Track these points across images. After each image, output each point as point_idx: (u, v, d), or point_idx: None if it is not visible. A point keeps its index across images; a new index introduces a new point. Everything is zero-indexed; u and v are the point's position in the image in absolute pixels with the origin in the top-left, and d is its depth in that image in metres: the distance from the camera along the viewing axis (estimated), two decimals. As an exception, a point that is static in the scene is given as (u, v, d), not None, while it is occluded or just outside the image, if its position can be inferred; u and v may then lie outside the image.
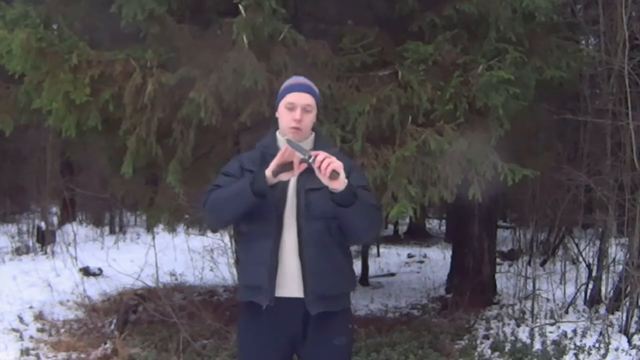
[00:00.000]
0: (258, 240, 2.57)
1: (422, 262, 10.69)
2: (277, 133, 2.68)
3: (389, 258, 11.15)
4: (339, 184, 2.38)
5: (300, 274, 2.54)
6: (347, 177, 2.46)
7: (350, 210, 2.44)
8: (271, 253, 2.54)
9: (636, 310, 5.60)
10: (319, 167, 2.36)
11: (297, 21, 5.03)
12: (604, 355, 5.11)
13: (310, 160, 2.37)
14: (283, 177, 2.48)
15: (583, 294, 6.53)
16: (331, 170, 2.35)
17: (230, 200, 2.54)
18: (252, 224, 2.58)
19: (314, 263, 2.53)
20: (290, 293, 2.55)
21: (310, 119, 2.62)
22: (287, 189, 2.56)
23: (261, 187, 2.45)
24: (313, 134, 2.68)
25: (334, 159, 2.37)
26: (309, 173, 2.45)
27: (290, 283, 2.55)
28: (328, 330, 2.61)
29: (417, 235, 13.93)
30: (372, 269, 9.31)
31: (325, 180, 2.38)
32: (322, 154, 2.37)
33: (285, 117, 2.61)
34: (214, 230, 7.86)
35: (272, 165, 2.45)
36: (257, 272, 2.56)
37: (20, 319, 6.26)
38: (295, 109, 2.58)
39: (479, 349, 5.53)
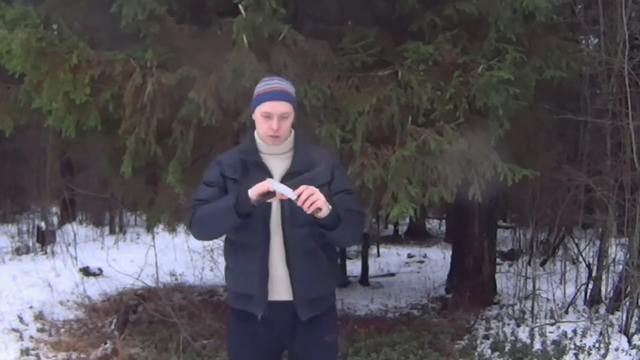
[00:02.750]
0: (246, 250, 2.61)
1: (422, 262, 10.68)
2: (255, 135, 2.68)
3: (389, 258, 11.14)
4: (323, 214, 2.42)
5: (288, 280, 2.59)
6: (331, 179, 2.55)
7: (335, 231, 2.49)
8: (261, 263, 2.58)
9: (636, 310, 5.61)
10: (303, 204, 2.38)
11: (297, 21, 5.02)
12: (604, 355, 5.11)
13: (294, 199, 2.38)
14: (268, 200, 2.50)
15: (583, 294, 6.52)
16: (315, 207, 2.38)
17: (215, 219, 2.57)
18: (239, 233, 2.61)
19: (301, 269, 2.58)
20: (280, 297, 2.60)
21: (287, 124, 2.62)
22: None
23: (245, 207, 2.48)
24: (292, 133, 2.69)
25: (316, 193, 2.38)
26: (292, 180, 2.47)
27: (279, 288, 2.60)
28: (319, 328, 2.67)
29: (417, 235, 13.91)
30: (372, 269, 9.30)
31: (309, 212, 2.40)
32: (306, 192, 2.37)
33: (262, 125, 2.60)
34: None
35: (253, 195, 2.45)
36: (249, 283, 2.61)
37: (20, 319, 6.25)
38: (272, 118, 2.57)
39: (479, 349, 5.53)
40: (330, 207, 2.43)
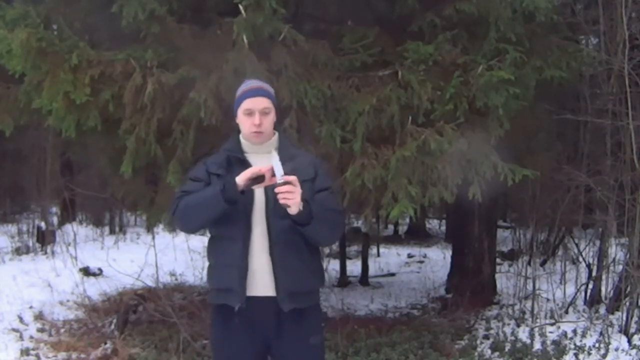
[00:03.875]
0: (227, 243, 2.63)
1: (422, 262, 10.69)
2: (241, 136, 2.74)
3: (389, 258, 11.15)
4: (292, 211, 2.47)
5: (271, 272, 2.60)
6: (314, 176, 2.61)
7: (307, 227, 2.53)
8: (241, 255, 2.59)
9: (636, 310, 5.61)
10: (279, 192, 2.44)
11: (297, 21, 5.02)
12: (604, 355, 5.11)
13: (278, 180, 2.44)
14: (254, 187, 2.55)
15: (583, 294, 6.53)
16: (285, 202, 2.44)
17: (201, 206, 2.60)
18: (220, 227, 2.63)
19: (284, 260, 2.59)
20: (262, 292, 2.61)
21: (269, 120, 2.69)
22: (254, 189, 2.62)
23: (232, 194, 2.51)
24: (276, 135, 2.75)
25: (295, 192, 2.44)
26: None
27: (261, 282, 2.61)
28: (303, 329, 2.67)
29: (417, 235, 13.91)
30: (372, 269, 9.31)
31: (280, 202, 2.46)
32: (287, 186, 2.43)
33: (245, 123, 2.67)
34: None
35: (242, 180, 2.50)
36: (228, 275, 2.62)
37: (20, 319, 6.26)
38: (253, 114, 2.64)
39: (479, 349, 5.53)
40: (301, 208, 2.47)
